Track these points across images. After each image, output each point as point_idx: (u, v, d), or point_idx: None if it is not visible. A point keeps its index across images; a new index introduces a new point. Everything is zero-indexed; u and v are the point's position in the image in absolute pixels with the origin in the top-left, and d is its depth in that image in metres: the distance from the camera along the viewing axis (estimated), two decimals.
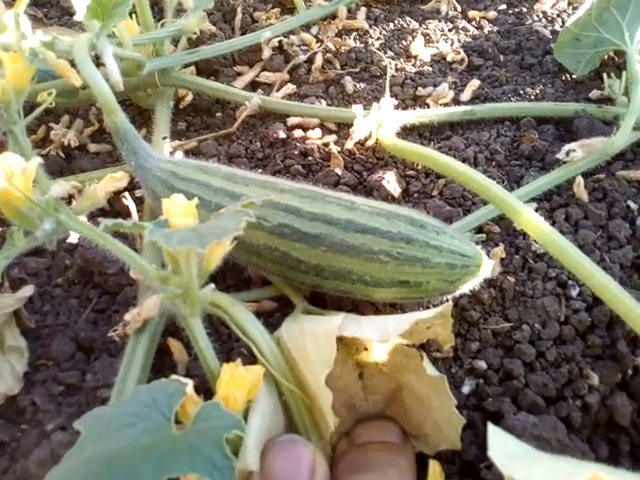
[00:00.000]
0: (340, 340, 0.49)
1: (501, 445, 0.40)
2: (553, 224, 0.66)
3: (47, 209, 0.54)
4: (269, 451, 0.46)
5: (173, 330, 0.58)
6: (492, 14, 0.99)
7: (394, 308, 0.60)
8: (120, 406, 0.45)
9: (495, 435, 0.40)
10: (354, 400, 0.54)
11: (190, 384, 0.46)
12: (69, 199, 0.73)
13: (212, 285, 0.53)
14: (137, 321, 0.52)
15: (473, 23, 0.98)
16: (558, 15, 0.99)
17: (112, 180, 0.62)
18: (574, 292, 0.61)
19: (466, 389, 0.57)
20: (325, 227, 0.54)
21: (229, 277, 0.66)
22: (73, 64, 0.66)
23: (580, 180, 0.68)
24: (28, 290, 0.58)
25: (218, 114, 0.87)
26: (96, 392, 0.55)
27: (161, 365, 0.56)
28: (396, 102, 0.77)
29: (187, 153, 0.81)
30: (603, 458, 0.54)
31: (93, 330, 0.61)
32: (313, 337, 0.49)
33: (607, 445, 0.55)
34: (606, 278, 0.53)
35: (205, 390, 0.48)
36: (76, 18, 0.60)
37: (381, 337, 0.48)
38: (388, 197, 0.68)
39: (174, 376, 0.47)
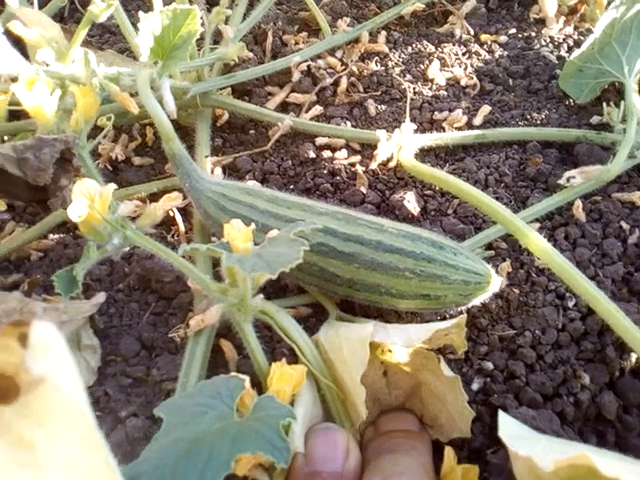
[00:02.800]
0: (369, 343, 0.58)
1: (509, 428, 0.49)
2: (554, 242, 0.75)
3: (116, 226, 0.63)
4: (310, 436, 0.55)
5: (224, 332, 0.67)
6: (503, 38, 1.07)
7: (414, 315, 0.69)
8: (190, 397, 0.54)
9: (504, 420, 0.49)
10: (379, 394, 0.63)
11: (247, 380, 0.55)
12: None
13: (261, 295, 0.62)
14: (199, 326, 0.61)
15: (485, 47, 1.06)
16: (564, 40, 1.07)
17: (169, 200, 0.71)
18: (571, 303, 0.69)
19: (475, 386, 0.64)
20: (358, 247, 0.63)
21: (268, 285, 0.74)
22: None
23: (579, 203, 0.76)
24: (101, 297, 0.67)
25: (251, 131, 0.96)
26: (161, 385, 0.64)
27: (214, 362, 0.65)
28: (415, 126, 0.85)
29: (224, 168, 0.90)
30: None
31: (154, 331, 0.70)
32: (348, 342, 0.58)
33: (596, 436, 0.63)
34: (598, 292, 0.60)
35: (254, 385, 0.57)
36: (141, 59, 0.69)
37: (406, 343, 0.57)
38: (408, 215, 0.77)
39: (233, 373, 0.56)
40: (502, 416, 0.49)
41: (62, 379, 0.27)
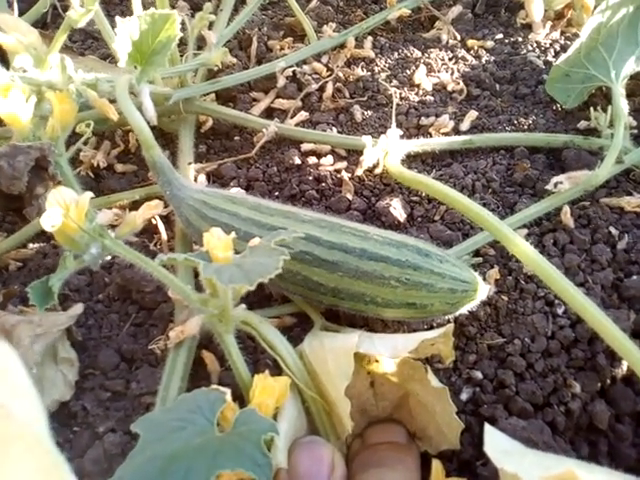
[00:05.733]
0: (355, 354, 0.57)
1: (495, 442, 0.47)
2: (542, 248, 0.74)
3: (94, 235, 0.61)
4: (294, 450, 0.54)
5: (206, 343, 0.65)
6: (489, 43, 1.06)
7: (400, 324, 0.67)
8: (169, 412, 0.52)
9: (490, 434, 0.48)
10: (366, 405, 0.61)
11: (228, 393, 0.53)
12: None
13: (243, 305, 0.60)
14: (179, 337, 0.59)
15: (471, 52, 1.05)
16: (551, 45, 1.06)
17: (149, 208, 0.69)
18: (560, 310, 0.68)
19: (464, 396, 0.63)
20: (342, 255, 0.61)
21: (251, 294, 0.72)
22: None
23: (567, 209, 0.75)
24: (78, 308, 0.65)
25: (236, 138, 0.94)
26: (140, 398, 0.63)
27: (196, 375, 0.63)
28: (401, 132, 0.84)
29: (208, 175, 0.88)
30: (584, 457, 0.60)
31: (134, 343, 0.68)
32: (333, 353, 0.57)
33: (588, 446, 0.62)
34: (586, 300, 0.58)
35: (236, 397, 0.56)
36: (119, 65, 0.67)
37: (392, 354, 0.55)
38: (395, 222, 0.76)
39: (214, 386, 0.55)
40: (488, 430, 0.48)
41: (17, 406, 0.25)
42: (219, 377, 0.64)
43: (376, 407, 0.62)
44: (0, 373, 0.26)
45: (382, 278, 0.60)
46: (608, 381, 0.64)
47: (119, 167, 0.93)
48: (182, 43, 0.99)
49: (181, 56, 0.91)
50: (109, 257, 0.79)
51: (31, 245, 0.82)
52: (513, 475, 0.41)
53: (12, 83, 0.67)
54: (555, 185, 0.75)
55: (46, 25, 1.17)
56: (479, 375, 0.64)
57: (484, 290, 0.61)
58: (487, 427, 0.47)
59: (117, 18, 0.66)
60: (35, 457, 0.26)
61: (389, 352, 0.55)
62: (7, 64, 0.76)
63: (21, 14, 1.08)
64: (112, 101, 0.73)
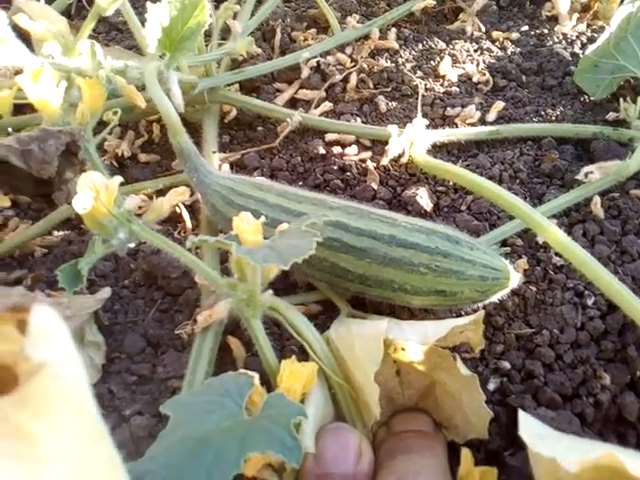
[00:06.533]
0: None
1: (530, 427, 0.47)
2: (572, 239, 0.72)
3: (122, 220, 0.61)
4: (321, 436, 0.53)
5: (232, 329, 0.65)
6: (515, 35, 1.05)
7: (427, 312, 0.67)
8: (197, 395, 0.52)
9: (525, 419, 0.47)
10: (392, 394, 0.61)
11: (256, 377, 0.53)
12: None
13: (270, 291, 0.60)
14: (207, 322, 0.59)
15: (497, 44, 1.04)
16: (577, 37, 1.05)
17: (176, 194, 0.69)
18: (590, 301, 0.67)
19: (491, 386, 0.62)
20: (370, 241, 0.61)
21: (276, 281, 0.72)
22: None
23: (597, 199, 0.74)
24: (106, 292, 0.66)
25: (259, 128, 0.94)
26: (167, 382, 0.63)
27: (221, 360, 0.63)
28: (427, 122, 0.83)
29: (231, 165, 0.88)
30: None
31: (159, 328, 0.68)
32: (361, 339, 0.56)
33: (616, 438, 0.60)
34: (622, 287, 0.57)
35: (262, 383, 0.55)
36: (149, 51, 0.67)
37: (422, 340, 0.55)
38: (421, 211, 0.75)
39: (242, 370, 0.54)
40: (522, 415, 0.47)
41: (63, 367, 0.25)
42: (245, 363, 0.64)
43: (402, 395, 0.61)
44: (46, 334, 0.25)
45: (411, 265, 0.59)
46: (638, 373, 0.63)
47: (142, 157, 0.94)
48: (206, 34, 0.99)
49: (206, 46, 0.91)
50: (134, 244, 0.80)
51: (56, 232, 0.83)
52: (549, 459, 0.40)
53: (42, 69, 0.68)
54: (586, 175, 0.74)
55: (71, 17, 1.18)
56: (507, 365, 0.63)
57: (515, 278, 0.60)
58: (521, 412, 0.46)
59: (148, 4, 0.66)
60: (82, 420, 0.26)
61: (419, 338, 0.55)
62: (33, 52, 0.77)
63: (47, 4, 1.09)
64: (139, 89, 0.74)
